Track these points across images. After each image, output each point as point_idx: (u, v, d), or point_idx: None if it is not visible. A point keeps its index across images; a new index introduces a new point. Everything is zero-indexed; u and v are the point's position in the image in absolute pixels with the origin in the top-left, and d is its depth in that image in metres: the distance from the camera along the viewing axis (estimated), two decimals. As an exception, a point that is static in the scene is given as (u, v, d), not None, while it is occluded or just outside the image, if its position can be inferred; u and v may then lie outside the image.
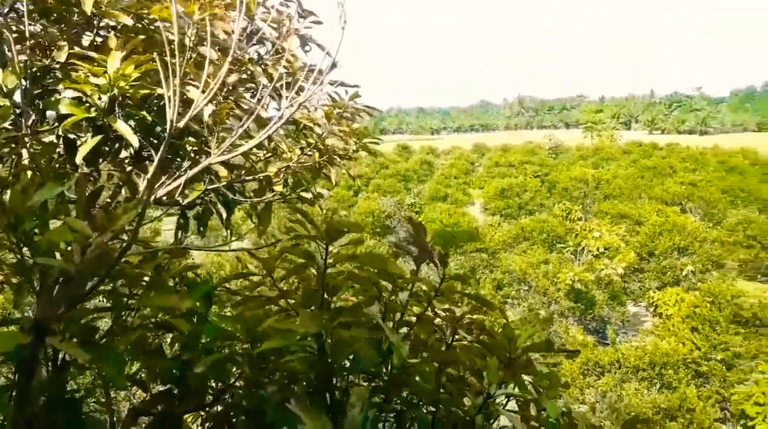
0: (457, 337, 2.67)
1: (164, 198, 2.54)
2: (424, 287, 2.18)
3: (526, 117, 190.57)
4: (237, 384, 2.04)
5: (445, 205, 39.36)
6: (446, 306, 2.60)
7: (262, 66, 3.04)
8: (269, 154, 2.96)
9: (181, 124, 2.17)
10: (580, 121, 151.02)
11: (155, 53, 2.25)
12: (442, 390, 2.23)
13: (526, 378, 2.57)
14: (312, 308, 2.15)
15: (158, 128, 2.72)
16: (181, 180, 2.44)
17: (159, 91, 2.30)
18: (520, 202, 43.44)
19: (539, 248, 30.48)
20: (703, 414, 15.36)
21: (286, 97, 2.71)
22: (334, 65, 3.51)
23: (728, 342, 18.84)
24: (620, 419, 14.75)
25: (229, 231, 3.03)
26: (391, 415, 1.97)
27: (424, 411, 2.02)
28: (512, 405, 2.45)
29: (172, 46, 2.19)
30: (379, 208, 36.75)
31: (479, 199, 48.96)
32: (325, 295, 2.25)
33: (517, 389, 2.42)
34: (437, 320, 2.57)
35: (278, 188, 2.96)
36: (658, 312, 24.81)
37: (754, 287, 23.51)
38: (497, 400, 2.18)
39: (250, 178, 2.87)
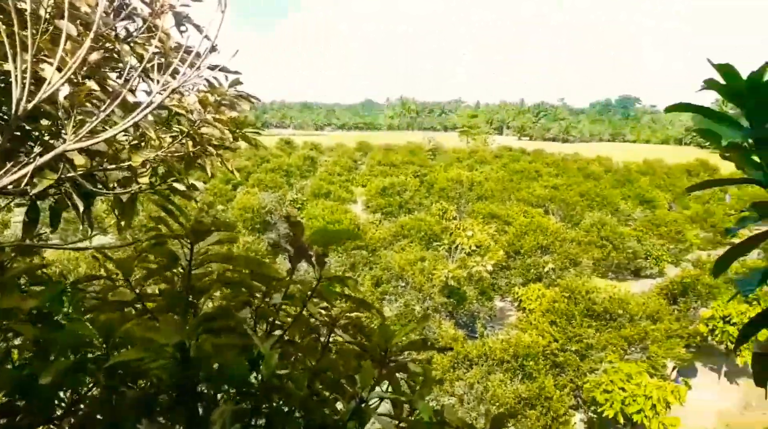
0: (336, 337, 2.64)
1: (10, 187, 2.24)
2: (301, 288, 2.12)
3: (408, 118, 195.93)
4: (94, 393, 1.86)
5: (327, 202, 39.27)
6: (324, 306, 2.56)
7: (131, 44, 2.79)
8: (136, 142, 2.72)
9: (30, 106, 1.92)
10: (458, 124, 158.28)
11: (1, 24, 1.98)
12: (315, 396, 2.18)
13: (402, 376, 2.60)
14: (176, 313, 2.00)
15: (4, 109, 2.41)
16: (29, 167, 2.16)
17: (6, 66, 2.03)
18: (400, 200, 44.51)
19: (417, 246, 31.39)
20: (559, 402, 16.68)
21: (157, 81, 2.51)
22: (213, 49, 3.31)
23: (582, 334, 20.61)
24: (489, 414, 15.61)
25: (86, 225, 2.74)
26: (261, 423, 1.89)
27: (297, 418, 1.96)
28: (387, 406, 2.45)
29: (24, 16, 1.94)
30: (259, 203, 35.85)
31: (362, 196, 49.50)
32: (191, 299, 2.11)
33: (391, 389, 2.44)
34: (313, 321, 2.52)
35: (144, 180, 2.73)
36: (521, 307, 26.61)
37: (605, 283, 26.01)
38: (372, 402, 2.18)
39: (113, 167, 2.62)
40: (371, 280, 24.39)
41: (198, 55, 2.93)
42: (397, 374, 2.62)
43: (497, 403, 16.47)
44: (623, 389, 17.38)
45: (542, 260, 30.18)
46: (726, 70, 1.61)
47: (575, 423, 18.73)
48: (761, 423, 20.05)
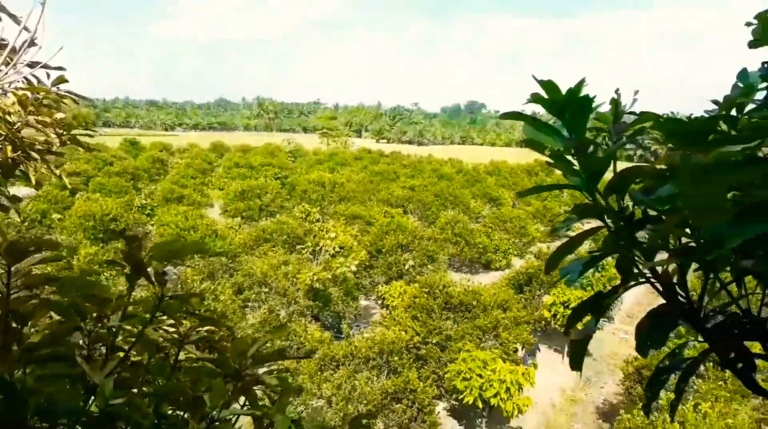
0: (190, 353, 2.46)
1: None
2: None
3: (266, 119, 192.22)
4: None
5: (181, 206, 37.06)
6: (172, 322, 2.39)
7: None
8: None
9: None
10: (317, 126, 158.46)
11: None
12: (164, 419, 2.02)
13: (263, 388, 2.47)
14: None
15: None
16: None
17: None
18: (261, 203, 43.40)
19: (280, 249, 30.81)
20: (423, 393, 17.27)
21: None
22: (32, 43, 2.90)
23: (441, 326, 21.55)
24: (347, 417, 15.71)
25: None
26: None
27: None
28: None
29: None
30: (101, 209, 32.82)
31: (219, 200, 47.51)
32: (15, 325, 1.84)
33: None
34: (161, 340, 2.33)
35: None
36: (385, 304, 27.24)
37: (459, 277, 27.46)
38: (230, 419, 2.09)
39: None
40: (232, 288, 23.45)
41: (14, 50, 2.55)
42: (257, 387, 2.51)
43: (365, 401, 16.66)
44: (480, 375, 18.46)
45: (403, 258, 31.16)
46: (548, 85, 1.72)
47: (438, 412, 19.54)
48: (599, 394, 22.49)
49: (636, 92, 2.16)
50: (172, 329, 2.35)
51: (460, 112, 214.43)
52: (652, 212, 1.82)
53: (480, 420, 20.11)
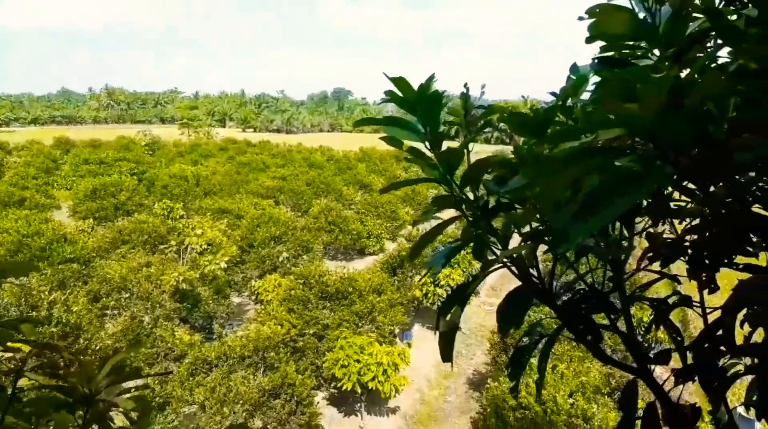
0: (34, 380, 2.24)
1: None
2: None
3: (118, 110, 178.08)
4: None
5: (22, 211, 33.19)
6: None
7: None
8: None
9: None
10: (176, 116, 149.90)
11: None
12: None
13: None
14: None
15: None
16: None
17: None
18: (116, 202, 40.09)
19: (140, 251, 28.77)
20: (302, 386, 17.07)
21: None
22: None
23: (318, 316, 21.43)
24: (228, 413, 15.15)
25: None
26: None
27: None
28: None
29: None
30: None
31: (67, 201, 43.23)
32: None
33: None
34: None
35: None
36: (259, 299, 26.52)
37: (335, 265, 27.46)
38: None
39: None
40: (87, 296, 21.44)
41: None
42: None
43: (241, 401, 16.10)
44: (358, 361, 18.63)
45: (276, 250, 30.52)
46: (400, 82, 1.74)
47: (318, 402, 19.50)
48: (470, 366, 23.75)
49: (483, 86, 2.20)
50: (8, 354, 2.10)
51: (327, 100, 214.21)
52: (504, 200, 1.88)
53: (359, 405, 20.36)
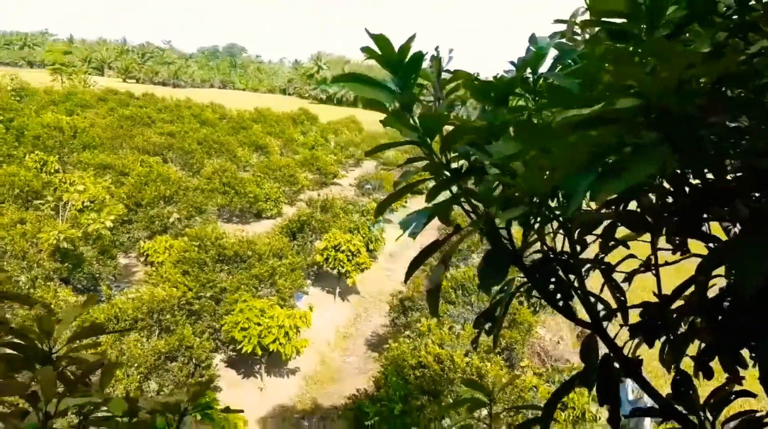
0: None
1: None
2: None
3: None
4: None
5: None
6: None
7: None
8: None
9: None
10: (47, 61, 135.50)
11: None
12: None
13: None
14: None
15: None
16: None
17: None
18: (-22, 152, 35.89)
19: (12, 206, 26.13)
20: (200, 348, 16.65)
21: None
22: None
23: (215, 279, 20.84)
24: (122, 375, 14.52)
25: None
26: None
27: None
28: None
29: None
30: None
31: None
32: None
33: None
34: None
35: None
36: (149, 261, 25.23)
37: (233, 228, 26.73)
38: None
39: None
40: (-52, 255, 19.20)
41: None
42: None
43: (136, 364, 15.42)
44: (259, 324, 18.44)
45: (166, 211, 29.03)
46: (381, 40, 1.73)
47: (216, 364, 19.16)
48: (368, 328, 24.37)
49: (451, 50, 2.23)
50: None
51: (218, 54, 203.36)
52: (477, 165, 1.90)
53: (258, 366, 20.28)
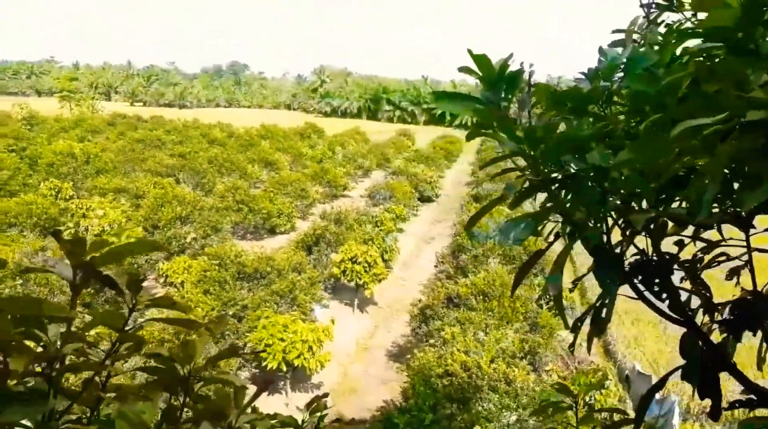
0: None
1: None
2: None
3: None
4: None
5: None
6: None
7: None
8: None
9: None
10: (55, 89, 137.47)
11: None
12: None
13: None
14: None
15: None
16: None
17: None
18: (-5, 182, 36.46)
19: (31, 235, 26.55)
20: (226, 366, 16.78)
21: None
22: None
23: (236, 297, 21.02)
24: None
25: None
26: None
27: None
28: None
29: None
30: None
31: (-66, 181, 38.56)
32: None
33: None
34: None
35: None
36: (169, 281, 25.47)
37: (249, 245, 26.93)
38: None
39: None
40: (-25, 285, 19.50)
41: None
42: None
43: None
44: (282, 339, 18.57)
45: (183, 231, 29.33)
46: (482, 59, 1.85)
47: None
48: (387, 339, 24.42)
49: (531, 65, 2.35)
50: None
51: (221, 73, 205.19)
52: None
53: (283, 382, 20.37)
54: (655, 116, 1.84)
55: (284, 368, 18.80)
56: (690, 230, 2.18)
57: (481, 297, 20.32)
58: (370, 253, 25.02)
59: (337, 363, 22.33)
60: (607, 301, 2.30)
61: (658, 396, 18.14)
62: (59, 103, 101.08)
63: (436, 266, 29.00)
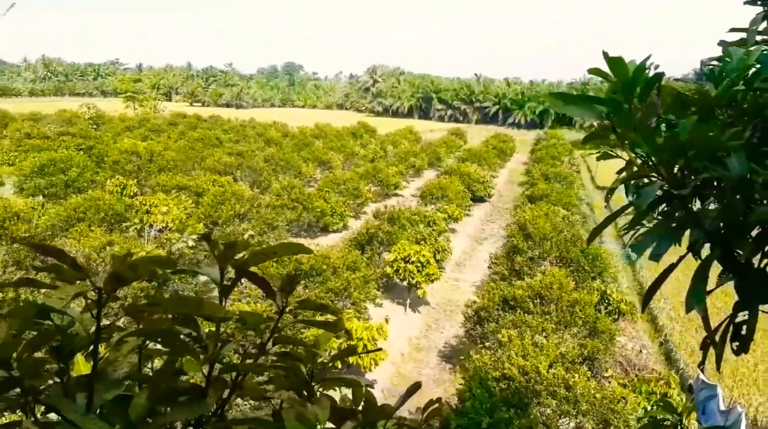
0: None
1: None
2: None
3: (55, 82, 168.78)
4: None
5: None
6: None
7: None
8: None
9: None
10: (119, 89, 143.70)
11: None
12: None
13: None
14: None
15: None
16: None
17: None
18: (66, 178, 38.37)
19: (98, 229, 27.81)
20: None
21: None
22: None
23: (294, 294, 21.35)
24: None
25: None
26: None
27: None
28: None
29: None
30: None
31: (11, 177, 41.09)
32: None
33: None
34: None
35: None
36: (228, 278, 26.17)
37: (305, 243, 27.25)
38: None
39: None
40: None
41: None
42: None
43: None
44: (337, 337, 18.81)
45: (241, 228, 30.11)
46: (617, 61, 1.82)
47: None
48: (440, 339, 24.33)
49: (657, 66, 2.26)
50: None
51: (277, 74, 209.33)
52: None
53: (337, 379, 20.59)
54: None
55: (339, 365, 19.02)
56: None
57: (537, 300, 19.95)
58: (422, 252, 24.98)
59: (390, 362, 22.39)
60: (748, 318, 2.16)
61: (723, 407, 17.40)
62: (124, 104, 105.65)
63: (489, 267, 28.65)
